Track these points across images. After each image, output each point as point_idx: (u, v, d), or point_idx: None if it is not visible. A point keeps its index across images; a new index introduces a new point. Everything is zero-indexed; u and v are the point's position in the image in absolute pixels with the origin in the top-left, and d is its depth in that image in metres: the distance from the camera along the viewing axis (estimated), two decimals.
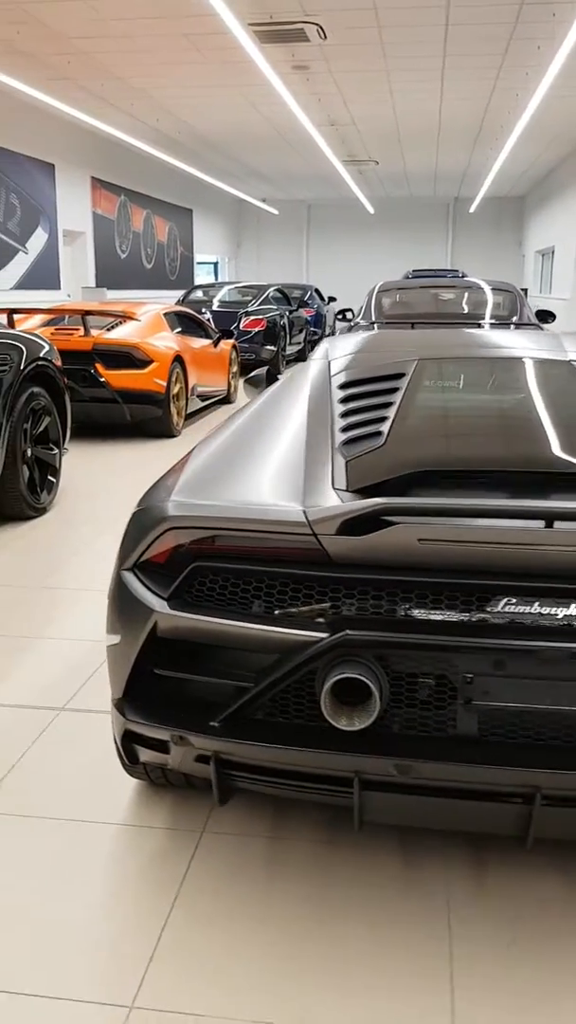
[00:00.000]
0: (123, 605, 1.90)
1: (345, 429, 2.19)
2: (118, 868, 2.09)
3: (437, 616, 1.67)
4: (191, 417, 9.19)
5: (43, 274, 12.89)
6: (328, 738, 1.72)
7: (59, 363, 5.52)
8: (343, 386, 2.55)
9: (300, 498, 1.83)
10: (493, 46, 8.98)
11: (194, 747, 1.81)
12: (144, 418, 7.82)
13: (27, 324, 8.20)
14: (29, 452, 5.10)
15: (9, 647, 3.33)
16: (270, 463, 2.08)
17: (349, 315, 9.51)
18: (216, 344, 9.73)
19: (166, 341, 8.14)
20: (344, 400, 2.42)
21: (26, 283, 12.35)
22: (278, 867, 2.09)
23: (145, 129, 13.87)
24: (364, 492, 1.84)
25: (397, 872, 2.07)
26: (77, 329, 7.81)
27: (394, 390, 2.45)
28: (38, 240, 12.67)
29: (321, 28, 8.10)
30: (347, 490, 1.87)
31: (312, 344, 18.21)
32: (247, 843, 2.18)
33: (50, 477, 5.39)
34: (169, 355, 7.93)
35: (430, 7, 7.71)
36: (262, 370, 3.83)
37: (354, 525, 1.67)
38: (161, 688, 1.91)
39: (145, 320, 8.22)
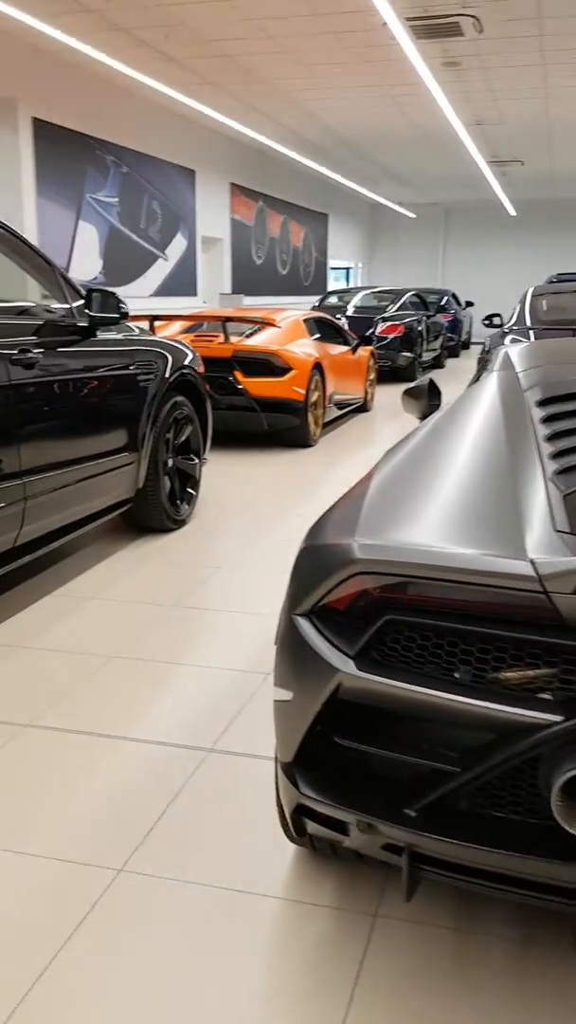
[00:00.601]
0: (298, 658, 1.62)
1: (557, 456, 1.86)
2: (280, 956, 1.81)
3: None
4: (327, 426, 8.93)
5: (181, 281, 12.95)
6: (554, 840, 1.40)
7: (202, 370, 5.37)
8: (543, 403, 2.21)
9: (515, 542, 1.51)
10: None
11: (382, 836, 1.52)
12: (281, 427, 7.63)
13: (167, 331, 8.14)
14: (170, 463, 4.95)
15: (149, 674, 3.13)
16: (468, 496, 1.77)
17: (497, 320, 9.05)
18: (355, 351, 9.46)
19: (305, 348, 7.92)
20: (548, 420, 2.08)
21: (164, 290, 12.43)
22: (469, 968, 1.78)
23: (286, 134, 13.76)
24: None
25: None
26: (216, 336, 7.69)
27: None
28: (177, 247, 12.73)
29: (478, 20, 7.71)
30: (573, 533, 1.54)
31: (448, 351, 17.70)
32: (428, 934, 1.87)
33: (190, 489, 5.23)
34: (308, 362, 7.71)
35: None
36: (423, 380, 3.50)
37: None
38: (341, 759, 1.63)
39: (284, 327, 8.03)
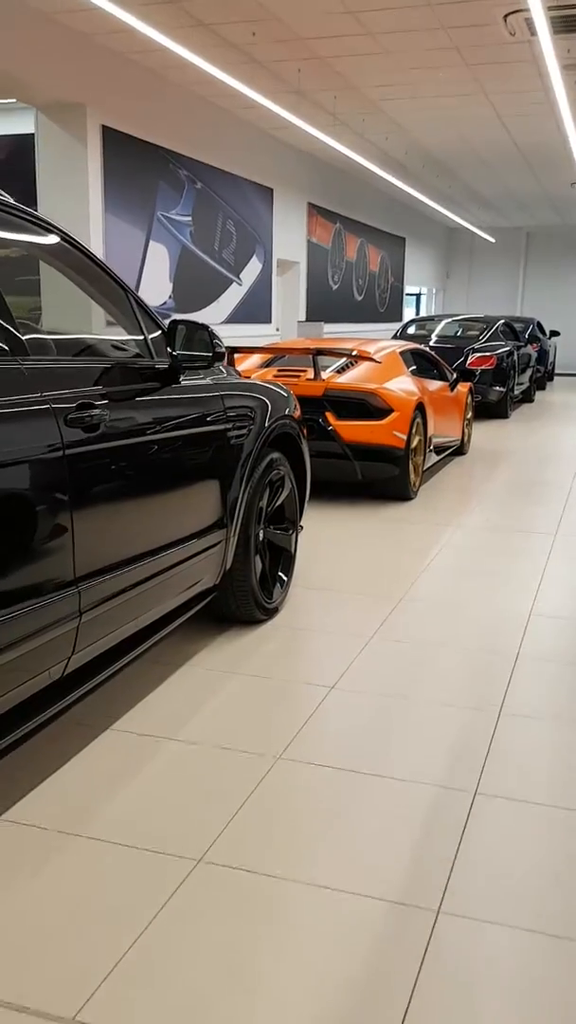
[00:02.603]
0: None
1: None
2: None
3: None
4: (424, 472, 7.83)
5: (255, 307, 12.02)
6: None
7: (298, 415, 4.33)
8: None
9: None
10: None
11: None
12: (378, 477, 6.56)
13: (245, 365, 7.15)
14: (261, 535, 3.91)
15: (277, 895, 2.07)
16: None
17: None
18: (453, 387, 8.37)
19: (405, 385, 6.85)
20: None
21: (237, 316, 11.50)
22: None
23: (371, 149, 12.80)
24: None
25: None
26: (303, 371, 6.67)
27: None
28: (252, 270, 11.81)
29: None
30: None
31: (538, 383, 16.48)
32: None
33: (281, 573, 4.16)
34: (411, 403, 6.64)
35: None
36: None
37: None
38: None
39: (381, 360, 6.98)
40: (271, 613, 4.02)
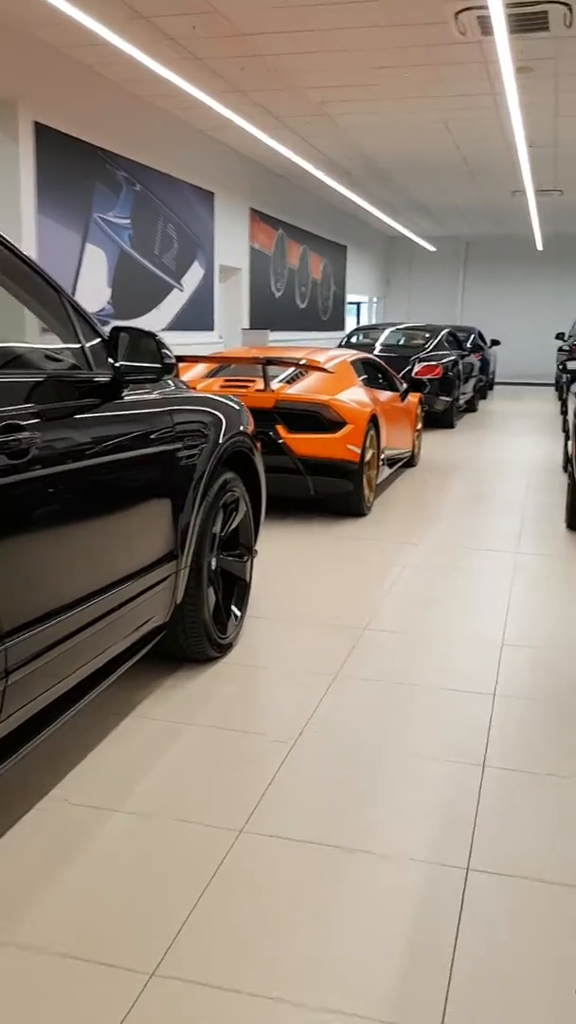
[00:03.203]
0: None
1: None
2: None
3: None
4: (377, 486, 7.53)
5: (197, 314, 11.63)
6: None
7: (252, 430, 3.99)
8: None
9: None
10: None
11: None
12: (331, 492, 6.23)
13: (189, 374, 6.78)
14: (215, 564, 3.54)
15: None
16: None
17: (572, 365, 7.73)
18: (403, 397, 8.11)
19: (359, 396, 6.55)
20: None
21: (179, 324, 11.10)
22: None
23: (314, 154, 12.52)
24: None
25: None
26: (252, 381, 6.32)
27: None
28: (193, 276, 11.42)
29: (570, 11, 6.44)
30: None
31: (480, 393, 16.40)
32: None
33: (235, 605, 3.80)
34: (364, 415, 6.34)
35: None
36: None
37: None
38: None
39: (333, 370, 6.67)
40: (225, 649, 3.65)
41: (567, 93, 8.95)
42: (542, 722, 3.09)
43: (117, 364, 2.68)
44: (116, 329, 2.69)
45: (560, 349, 15.88)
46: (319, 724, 3.04)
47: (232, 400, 3.86)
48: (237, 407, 3.84)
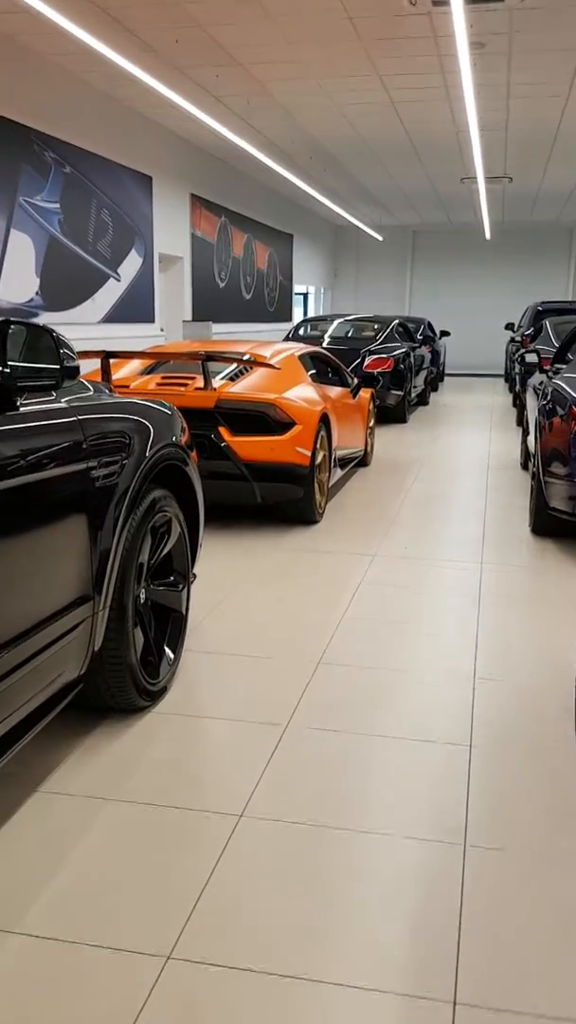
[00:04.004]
0: None
1: None
2: None
3: None
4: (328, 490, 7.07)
5: (136, 305, 11.02)
6: None
7: (187, 439, 3.47)
8: None
9: None
10: None
11: None
12: (280, 499, 5.74)
13: (122, 372, 6.21)
14: (143, 597, 3.03)
15: None
16: None
17: (532, 357, 7.34)
18: (355, 393, 7.64)
19: (308, 394, 6.06)
20: None
21: (116, 315, 10.48)
22: None
23: (257, 136, 11.97)
24: None
25: None
26: (191, 379, 5.78)
27: None
28: (131, 265, 10.81)
29: None
30: None
31: (432, 385, 16.04)
32: None
33: (168, 643, 3.28)
34: (315, 414, 5.85)
35: None
36: None
37: None
38: None
39: (280, 365, 6.17)
40: (157, 697, 3.14)
41: (520, 72, 8.54)
42: (529, 783, 2.63)
43: (5, 367, 2.14)
44: (4, 323, 2.14)
45: (512, 340, 15.56)
46: (270, 789, 2.54)
47: (162, 405, 3.33)
48: (168, 412, 3.32)
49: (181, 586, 3.37)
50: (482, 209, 17.42)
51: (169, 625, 3.29)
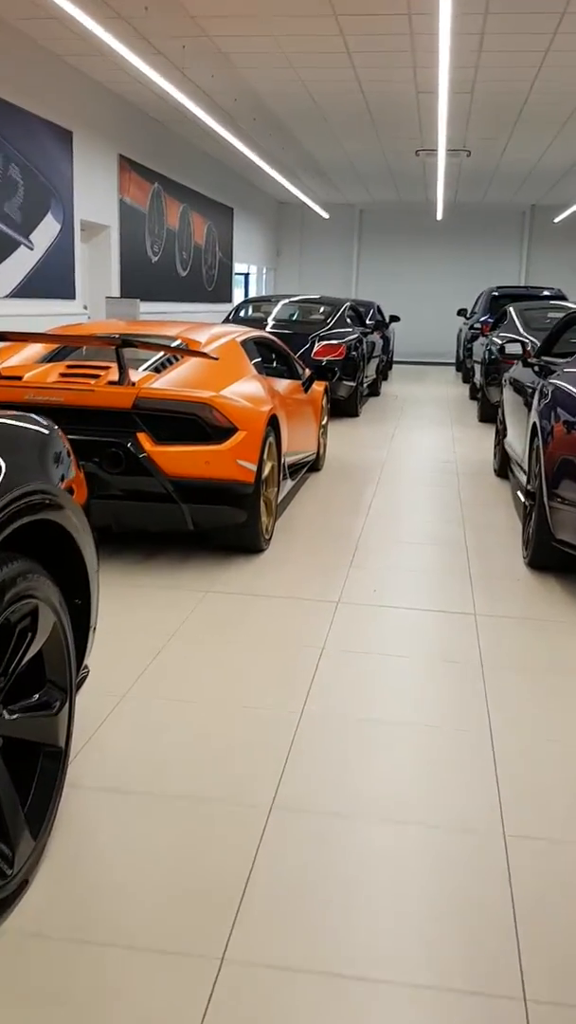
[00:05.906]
0: None
1: None
2: None
3: None
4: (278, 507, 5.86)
5: (54, 278, 9.63)
6: None
7: (77, 478, 2.24)
8: None
9: None
10: None
11: None
12: (218, 524, 4.53)
13: (15, 359, 4.91)
14: None
15: None
16: None
17: (512, 348, 6.27)
18: (307, 387, 6.46)
19: (253, 390, 4.85)
20: None
21: (29, 290, 9.10)
22: None
23: (194, 91, 10.63)
24: None
25: None
26: (105, 369, 4.51)
27: None
28: (47, 231, 9.42)
29: None
30: None
31: (383, 373, 14.93)
32: None
33: (26, 815, 2.04)
34: (262, 417, 4.64)
35: None
36: None
37: None
38: None
39: (221, 355, 4.95)
40: (9, 901, 1.92)
41: (496, 19, 7.38)
42: None
43: None
44: None
45: (471, 327, 14.52)
46: None
47: (33, 421, 2.10)
48: (44, 433, 2.09)
49: (57, 705, 2.15)
50: (438, 184, 16.32)
51: (36, 775, 2.07)
